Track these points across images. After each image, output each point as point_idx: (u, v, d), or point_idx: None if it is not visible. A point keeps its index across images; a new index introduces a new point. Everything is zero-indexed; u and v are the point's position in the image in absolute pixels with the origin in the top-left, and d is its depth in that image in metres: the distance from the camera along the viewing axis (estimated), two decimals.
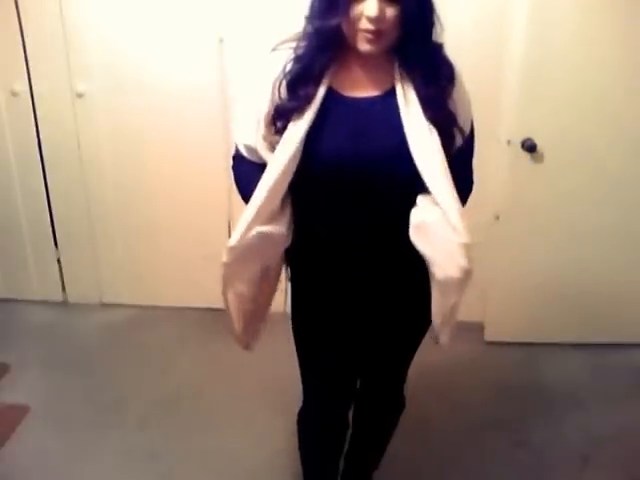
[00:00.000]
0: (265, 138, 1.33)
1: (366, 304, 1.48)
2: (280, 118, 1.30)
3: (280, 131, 1.30)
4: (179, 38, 2.63)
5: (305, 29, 1.30)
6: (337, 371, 1.58)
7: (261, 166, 1.35)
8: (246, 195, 1.35)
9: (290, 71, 1.29)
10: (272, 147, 1.32)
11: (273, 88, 1.30)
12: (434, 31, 1.27)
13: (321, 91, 1.28)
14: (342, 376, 1.60)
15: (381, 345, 1.57)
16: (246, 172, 1.42)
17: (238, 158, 1.46)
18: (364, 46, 1.24)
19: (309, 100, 1.27)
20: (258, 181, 1.31)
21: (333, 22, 1.22)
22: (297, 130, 1.27)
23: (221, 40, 2.61)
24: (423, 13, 1.23)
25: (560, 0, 2.29)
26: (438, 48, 1.30)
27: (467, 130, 1.37)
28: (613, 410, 2.40)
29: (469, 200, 1.43)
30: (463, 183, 1.37)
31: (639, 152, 2.49)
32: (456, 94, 1.32)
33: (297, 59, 1.29)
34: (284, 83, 1.30)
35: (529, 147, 2.42)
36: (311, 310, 1.51)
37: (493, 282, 2.71)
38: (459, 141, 1.34)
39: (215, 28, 2.60)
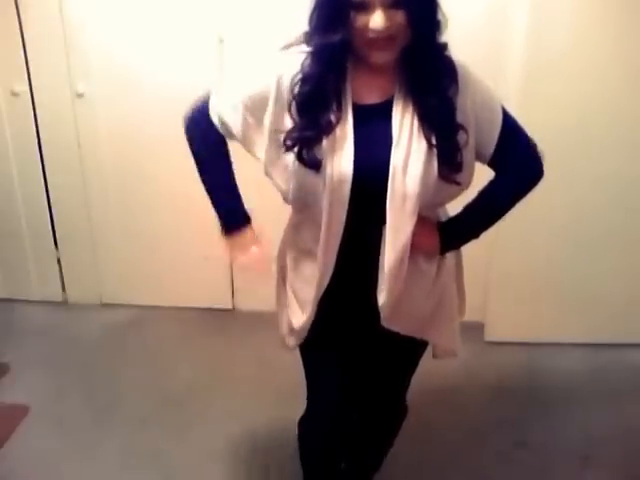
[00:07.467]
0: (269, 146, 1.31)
1: (374, 322, 1.43)
2: (296, 143, 1.25)
3: (289, 150, 1.27)
4: (179, 38, 2.63)
5: (307, 39, 1.26)
6: (342, 381, 1.55)
7: (223, 138, 1.40)
8: (197, 156, 1.44)
9: (300, 93, 1.25)
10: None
11: (282, 104, 1.26)
12: (439, 30, 1.23)
13: (349, 114, 1.25)
14: (346, 386, 1.57)
15: (385, 356, 1.56)
16: (209, 140, 1.42)
17: (204, 117, 1.40)
18: (377, 56, 1.21)
19: (332, 128, 1.23)
20: (216, 152, 1.41)
21: (336, 38, 1.18)
22: (345, 163, 1.24)
23: (221, 40, 2.61)
24: (429, 11, 1.20)
25: (561, 2, 2.29)
26: (442, 47, 1.27)
27: (497, 117, 1.33)
28: (613, 410, 2.40)
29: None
30: (524, 162, 1.41)
31: (638, 152, 2.49)
32: (464, 89, 1.28)
33: (304, 80, 1.24)
34: (294, 106, 1.26)
35: None
36: (320, 324, 1.47)
37: (493, 282, 2.71)
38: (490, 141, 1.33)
39: (215, 28, 2.60)
